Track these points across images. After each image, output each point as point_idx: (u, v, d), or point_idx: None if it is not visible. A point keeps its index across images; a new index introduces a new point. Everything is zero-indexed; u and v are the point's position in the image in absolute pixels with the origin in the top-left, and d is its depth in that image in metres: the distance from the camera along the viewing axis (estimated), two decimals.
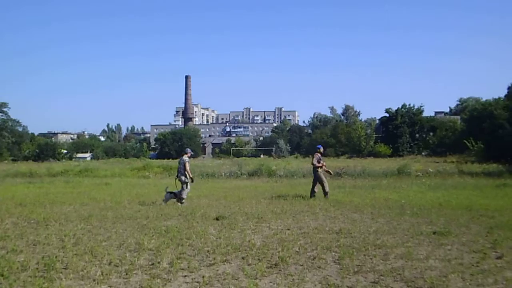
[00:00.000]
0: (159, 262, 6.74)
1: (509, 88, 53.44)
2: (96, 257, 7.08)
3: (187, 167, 14.09)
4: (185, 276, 6.13)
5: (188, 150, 15.33)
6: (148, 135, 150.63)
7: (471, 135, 46.12)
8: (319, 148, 16.08)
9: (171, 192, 14.20)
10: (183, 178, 14.17)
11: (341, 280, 5.84)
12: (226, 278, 5.96)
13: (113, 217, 11.49)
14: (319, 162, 15.42)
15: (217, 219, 10.81)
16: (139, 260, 6.87)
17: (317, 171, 15.33)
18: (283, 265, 6.57)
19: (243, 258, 7.03)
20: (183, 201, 14.05)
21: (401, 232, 9.06)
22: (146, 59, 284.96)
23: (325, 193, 15.23)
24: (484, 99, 63.94)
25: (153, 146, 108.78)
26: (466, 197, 14.76)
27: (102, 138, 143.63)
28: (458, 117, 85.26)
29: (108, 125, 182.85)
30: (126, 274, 6.20)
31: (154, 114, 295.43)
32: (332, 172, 16.28)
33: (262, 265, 6.52)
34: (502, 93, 75.92)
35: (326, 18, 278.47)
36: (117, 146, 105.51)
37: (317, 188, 15.41)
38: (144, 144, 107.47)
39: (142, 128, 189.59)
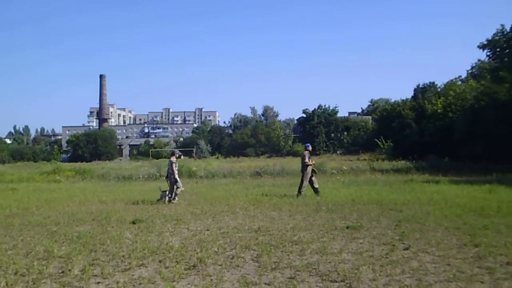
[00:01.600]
0: (70, 270, 6.43)
1: (415, 89, 57.43)
2: (1, 267, 6.64)
3: (173, 168, 14.62)
4: (98, 283, 5.89)
5: (176, 151, 16.29)
6: (59, 137, 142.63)
7: (381, 134, 48.73)
8: (308, 147, 16.28)
9: (165, 191, 14.77)
10: (172, 178, 14.66)
11: (259, 278, 5.90)
12: (142, 282, 5.80)
13: (19, 224, 10.80)
14: (309, 160, 15.56)
15: (133, 222, 10.48)
16: (48, 269, 6.53)
17: (307, 168, 15.42)
18: (202, 266, 6.51)
19: (160, 261, 6.87)
20: (175, 200, 14.54)
21: (317, 228, 9.36)
22: (57, 58, 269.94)
23: (299, 192, 15.41)
24: (393, 100, 67.57)
25: (65, 148, 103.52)
26: (377, 193, 15.57)
27: (8, 141, 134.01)
28: (370, 117, 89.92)
29: (15, 127, 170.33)
30: (34, 283, 5.87)
31: (66, 115, 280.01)
32: (317, 171, 16.50)
33: (180, 267, 6.42)
34: (409, 94, 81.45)
35: (245, 17, 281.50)
36: (25, 149, 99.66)
37: (316, 184, 15.58)
38: (55, 146, 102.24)
39: (53, 129, 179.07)
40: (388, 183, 19.90)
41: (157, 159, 69.14)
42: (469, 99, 36.46)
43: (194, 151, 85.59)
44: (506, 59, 32.90)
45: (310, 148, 16.32)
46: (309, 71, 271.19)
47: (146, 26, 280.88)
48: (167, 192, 14.71)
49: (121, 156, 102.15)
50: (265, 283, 5.68)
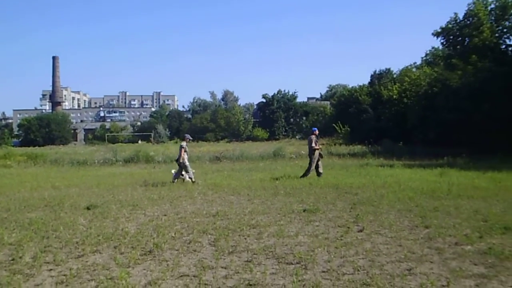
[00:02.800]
0: (20, 257, 6.23)
1: (372, 76, 58.66)
2: None
3: (181, 152, 15.17)
4: (51, 270, 5.72)
5: (187, 135, 16.69)
6: (10, 121, 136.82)
7: (339, 119, 49.59)
8: (314, 131, 16.48)
9: (178, 172, 15.36)
10: (181, 162, 15.24)
11: (216, 262, 5.89)
12: (96, 268, 5.67)
13: None
14: (316, 144, 15.68)
15: (88, 208, 10.22)
16: None
17: (314, 152, 15.54)
18: (158, 251, 6.44)
19: (115, 247, 6.74)
20: (193, 179, 15.20)
21: (275, 212, 9.44)
22: (6, 38, 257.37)
23: (305, 175, 15.65)
24: (350, 86, 68.51)
25: (16, 133, 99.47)
26: (333, 176, 15.83)
27: None
28: (328, 102, 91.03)
29: None
30: None
31: (17, 98, 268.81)
32: (323, 155, 16.66)
33: (136, 253, 6.32)
34: (366, 80, 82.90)
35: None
36: None
37: (321, 169, 15.86)
38: (6, 130, 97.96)
39: (3, 113, 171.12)
40: (344, 167, 20.29)
41: (113, 143, 67.73)
42: (423, 85, 37.44)
43: (152, 135, 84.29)
44: (458, 46, 33.98)
45: (317, 132, 16.64)
46: (269, 56, 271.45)
47: (99, 2, 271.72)
48: (180, 174, 15.24)
49: (76, 140, 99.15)
50: (222, 267, 5.68)
